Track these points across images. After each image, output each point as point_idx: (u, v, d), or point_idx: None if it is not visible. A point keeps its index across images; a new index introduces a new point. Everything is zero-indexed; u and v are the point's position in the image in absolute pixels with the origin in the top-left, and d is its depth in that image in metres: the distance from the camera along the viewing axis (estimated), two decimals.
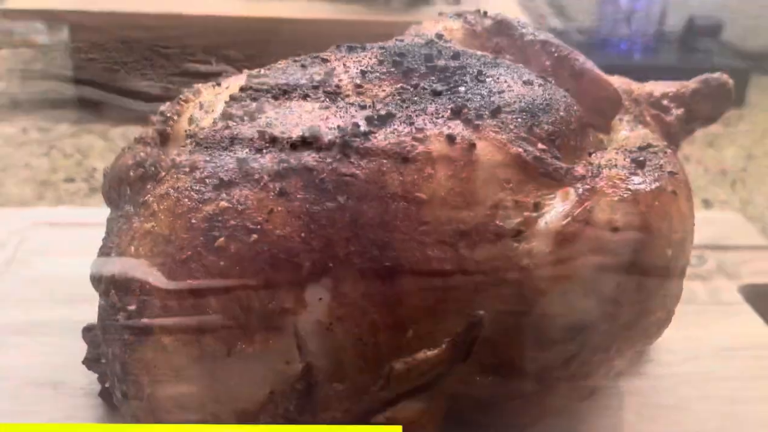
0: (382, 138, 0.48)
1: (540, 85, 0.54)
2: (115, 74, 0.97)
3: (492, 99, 0.51)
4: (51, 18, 1.08)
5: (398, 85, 0.54)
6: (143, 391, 0.46)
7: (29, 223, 0.79)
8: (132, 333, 0.46)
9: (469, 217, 0.47)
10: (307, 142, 0.47)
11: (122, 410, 0.49)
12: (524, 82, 0.54)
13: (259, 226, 0.45)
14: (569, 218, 0.46)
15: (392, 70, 0.55)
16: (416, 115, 0.49)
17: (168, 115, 0.55)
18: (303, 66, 0.55)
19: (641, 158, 0.49)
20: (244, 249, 0.44)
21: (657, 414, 0.60)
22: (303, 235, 0.45)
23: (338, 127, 0.48)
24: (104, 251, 0.52)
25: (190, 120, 0.53)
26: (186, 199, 0.47)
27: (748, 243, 0.82)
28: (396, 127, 0.48)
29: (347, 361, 0.46)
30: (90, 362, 0.55)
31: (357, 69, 0.55)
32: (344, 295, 0.45)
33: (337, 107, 0.50)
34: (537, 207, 0.47)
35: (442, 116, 0.49)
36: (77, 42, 1.10)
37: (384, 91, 0.53)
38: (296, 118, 0.49)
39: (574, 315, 0.47)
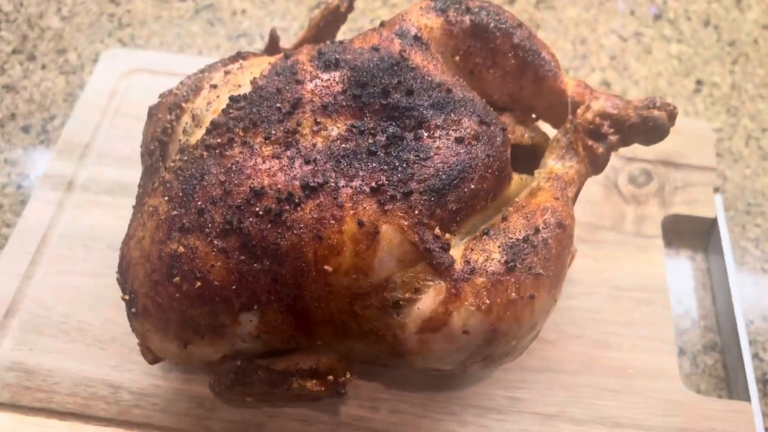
0: (308, 211, 0.43)
1: (468, 144, 0.45)
2: None
3: (412, 171, 0.43)
4: None
5: (350, 122, 0.46)
6: (140, 342, 0.49)
7: (134, 68, 0.75)
8: (129, 309, 0.47)
9: (365, 285, 0.43)
10: (250, 203, 0.43)
11: None
12: (456, 140, 0.45)
13: (203, 275, 0.43)
14: (434, 314, 0.42)
15: (351, 104, 0.46)
16: (343, 187, 0.43)
17: (171, 117, 0.49)
18: (278, 90, 0.47)
19: (513, 264, 0.42)
20: (192, 290, 0.44)
21: (536, 348, 0.58)
22: (234, 287, 0.43)
23: (278, 190, 0.43)
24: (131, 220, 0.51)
25: (184, 130, 0.48)
26: (160, 232, 0.45)
27: (698, 163, 0.70)
28: (322, 199, 0.43)
29: (276, 347, 0.47)
30: None
31: (320, 100, 0.46)
32: (268, 321, 0.45)
33: (287, 157, 0.44)
34: (417, 291, 0.43)
35: (363, 192, 0.43)
36: None
37: (338, 127, 0.46)
38: (251, 169, 0.44)
39: (432, 367, 0.45)
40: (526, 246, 0.43)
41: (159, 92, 0.72)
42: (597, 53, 0.85)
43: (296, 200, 0.43)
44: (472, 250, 0.43)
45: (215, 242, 0.43)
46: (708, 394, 0.60)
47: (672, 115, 0.49)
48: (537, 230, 0.44)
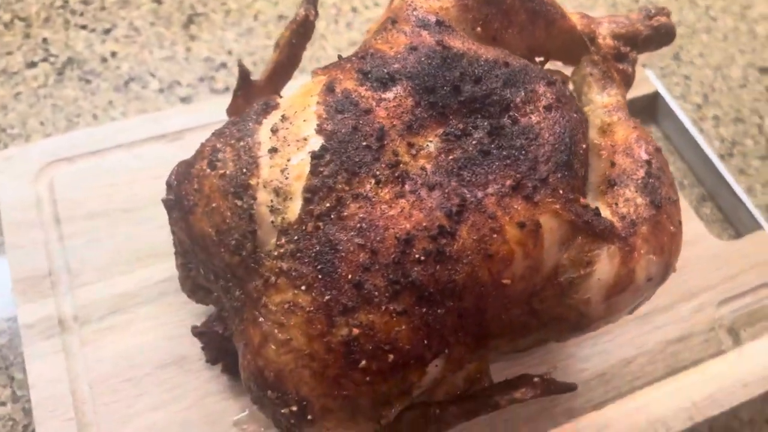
0: (465, 235, 0.40)
1: (558, 108, 0.45)
2: None
3: (534, 155, 0.42)
4: None
5: (439, 131, 0.43)
6: None
7: (44, 163, 0.62)
8: (301, 418, 0.42)
9: (539, 281, 0.43)
10: (406, 253, 0.40)
11: None
12: (546, 108, 0.44)
13: (390, 346, 0.40)
14: (618, 277, 0.43)
15: (431, 113, 0.44)
16: (484, 197, 0.41)
17: (244, 203, 0.42)
18: (354, 128, 0.42)
19: (657, 201, 0.44)
20: (384, 366, 0.40)
21: None
22: (426, 342, 0.40)
23: (425, 227, 0.40)
24: (218, 322, 0.45)
25: (272, 210, 0.42)
26: (317, 324, 0.40)
27: None
28: (472, 219, 0.41)
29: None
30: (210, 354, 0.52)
31: (401, 122, 0.43)
32: (454, 359, 0.43)
33: (410, 192, 0.41)
34: (589, 264, 0.43)
35: (506, 194, 0.41)
36: None
37: (431, 141, 0.43)
38: (383, 219, 0.40)
39: (607, 324, 0.47)
40: (653, 180, 0.45)
41: (89, 178, 0.62)
42: None
43: (449, 230, 0.40)
44: (617, 204, 0.44)
45: (390, 308, 0.39)
46: (722, 239, 0.69)
47: (669, 16, 0.53)
48: (649, 163, 0.46)
